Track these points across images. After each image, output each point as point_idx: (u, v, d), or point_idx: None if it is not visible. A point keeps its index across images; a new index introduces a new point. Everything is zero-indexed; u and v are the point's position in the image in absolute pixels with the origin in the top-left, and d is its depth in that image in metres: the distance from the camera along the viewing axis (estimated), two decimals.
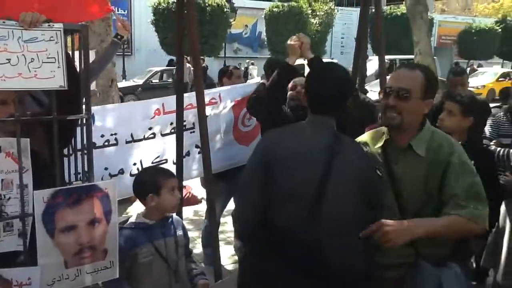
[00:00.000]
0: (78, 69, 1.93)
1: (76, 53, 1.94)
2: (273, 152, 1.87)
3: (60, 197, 1.77)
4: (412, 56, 10.79)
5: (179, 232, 2.45)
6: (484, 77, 21.07)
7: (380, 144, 2.02)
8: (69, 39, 1.94)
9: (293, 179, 1.80)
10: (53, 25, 1.79)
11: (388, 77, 2.44)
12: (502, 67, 28.52)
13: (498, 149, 3.33)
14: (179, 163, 3.41)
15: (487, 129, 3.57)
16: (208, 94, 3.72)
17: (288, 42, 2.97)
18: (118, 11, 20.07)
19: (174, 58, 20.68)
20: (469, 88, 4.21)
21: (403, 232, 1.72)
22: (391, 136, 2.00)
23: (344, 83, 1.99)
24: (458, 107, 2.69)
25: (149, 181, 2.31)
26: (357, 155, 1.91)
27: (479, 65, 27.86)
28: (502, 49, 28.61)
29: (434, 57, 10.24)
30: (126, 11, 24.55)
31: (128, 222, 2.31)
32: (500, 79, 20.94)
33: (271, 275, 1.81)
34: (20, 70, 1.70)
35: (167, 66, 19.29)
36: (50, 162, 2.04)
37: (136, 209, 2.86)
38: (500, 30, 28.28)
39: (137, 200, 2.51)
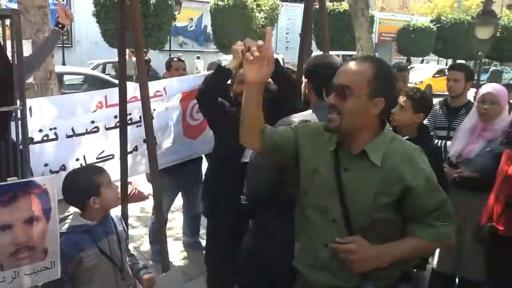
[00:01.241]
0: (10, 57, 1.81)
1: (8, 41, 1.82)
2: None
3: None
4: (354, 52, 11.12)
5: (119, 228, 2.38)
6: (422, 73, 22.10)
7: (332, 147, 1.74)
8: None
9: None
10: None
11: None
12: (437, 64, 30.03)
13: (436, 141, 3.49)
14: (123, 158, 3.29)
15: (424, 122, 3.73)
16: (152, 86, 3.61)
17: (233, 46, 2.87)
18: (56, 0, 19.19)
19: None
20: (408, 84, 4.37)
21: (368, 262, 1.61)
22: (343, 139, 1.73)
23: None
24: (410, 103, 2.78)
25: (86, 185, 2.18)
26: None
27: (422, 61, 29.20)
28: (437, 46, 30.11)
29: (375, 53, 10.61)
30: (65, 1, 23.47)
31: (68, 226, 2.17)
32: (436, 75, 22.06)
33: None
34: None
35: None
36: None
37: None
38: (435, 28, 29.72)
39: None
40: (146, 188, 5.59)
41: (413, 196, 1.62)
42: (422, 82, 21.05)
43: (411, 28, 29.54)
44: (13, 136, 1.91)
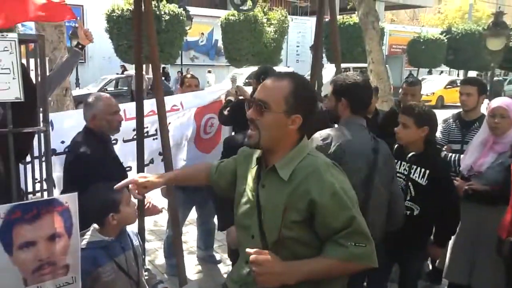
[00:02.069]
0: (33, 79, 1.88)
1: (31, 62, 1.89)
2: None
3: (18, 212, 1.71)
4: (365, 65, 11.14)
5: (135, 243, 2.42)
6: (433, 85, 22.03)
7: (254, 164, 1.77)
8: (23, 47, 1.88)
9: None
10: (7, 35, 1.73)
11: None
12: (449, 75, 29.87)
13: (450, 154, 3.49)
14: (140, 171, 3.36)
15: (438, 135, 3.73)
16: (170, 101, 3.69)
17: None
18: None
19: (124, 64, 20.32)
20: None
21: (274, 277, 1.54)
22: (263, 155, 1.74)
23: None
24: (411, 120, 2.79)
25: (105, 202, 2.22)
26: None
27: (429, 72, 29.06)
28: (448, 57, 30.00)
29: (386, 65, 10.61)
30: (79, 18, 23.90)
31: (86, 242, 2.21)
32: (447, 87, 21.97)
33: None
34: None
35: (121, 73, 18.91)
36: (5, 175, 1.98)
37: None
38: (445, 40, 29.66)
39: None
40: (160, 202, 5.66)
41: (319, 212, 1.58)
42: (433, 93, 20.98)
43: (421, 40, 29.48)
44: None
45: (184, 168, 1.87)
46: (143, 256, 2.57)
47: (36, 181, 1.96)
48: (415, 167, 2.83)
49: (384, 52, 19.41)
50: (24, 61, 1.95)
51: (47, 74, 1.99)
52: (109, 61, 23.01)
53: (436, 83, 22.48)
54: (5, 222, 1.68)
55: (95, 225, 2.30)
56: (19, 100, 1.72)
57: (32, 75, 1.98)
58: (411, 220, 2.73)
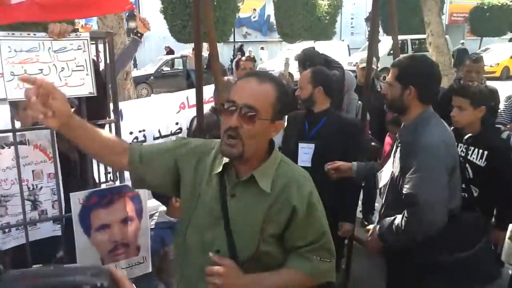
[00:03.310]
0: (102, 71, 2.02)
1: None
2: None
3: (94, 198, 1.87)
4: (423, 36, 10.70)
5: None
6: (498, 55, 20.73)
7: (217, 170, 1.53)
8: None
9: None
10: (80, 34, 1.87)
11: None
12: None
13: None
14: None
15: (501, 113, 3.59)
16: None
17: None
18: None
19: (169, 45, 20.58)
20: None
21: None
22: (230, 162, 1.52)
23: None
24: (467, 101, 2.69)
25: None
26: None
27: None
28: None
29: (446, 36, 10.15)
30: (134, 5, 24.48)
31: (154, 222, 2.40)
32: None
33: None
34: (52, 79, 1.78)
35: (166, 54, 19.18)
36: (80, 165, 2.15)
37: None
38: None
39: None
40: None
41: (295, 220, 1.49)
42: (498, 64, 19.76)
43: (485, 7, 27.73)
44: None
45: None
46: None
47: (108, 172, 2.11)
48: (472, 148, 2.76)
49: (444, 21, 18.49)
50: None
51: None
52: (164, 41, 23.50)
53: (501, 53, 21.11)
54: (84, 207, 1.85)
55: (163, 208, 2.47)
56: (92, 95, 1.86)
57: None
58: (470, 202, 2.68)
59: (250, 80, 1.48)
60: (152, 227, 2.37)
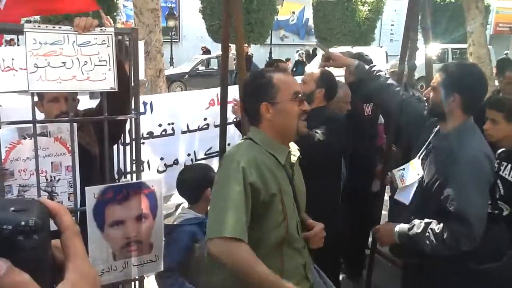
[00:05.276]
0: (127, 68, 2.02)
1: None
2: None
3: (110, 193, 1.87)
4: (465, 46, 10.36)
5: None
6: None
7: (283, 160, 1.76)
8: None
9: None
10: (105, 29, 1.87)
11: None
12: None
13: None
14: (222, 154, 3.48)
15: None
16: None
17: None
18: None
19: (205, 45, 20.75)
20: None
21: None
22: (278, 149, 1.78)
23: None
24: (500, 115, 2.58)
25: (204, 177, 2.43)
26: None
27: None
28: None
29: (489, 46, 9.80)
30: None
31: (183, 219, 2.39)
32: None
33: None
34: (74, 73, 1.79)
35: (202, 54, 19.37)
36: (100, 158, 2.16)
37: (177, 198, 2.96)
38: None
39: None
40: None
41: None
42: None
43: None
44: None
45: None
46: None
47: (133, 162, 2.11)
48: (505, 163, 2.62)
49: (488, 31, 17.89)
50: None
51: (140, 66, 2.13)
52: (202, 41, 23.78)
53: None
54: (98, 202, 1.85)
55: (184, 204, 2.46)
56: (114, 90, 1.86)
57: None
58: (500, 220, 2.55)
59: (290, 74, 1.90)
60: (182, 223, 2.36)
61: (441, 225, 2.04)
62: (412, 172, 2.34)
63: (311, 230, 1.84)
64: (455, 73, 2.10)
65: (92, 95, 2.90)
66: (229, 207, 1.54)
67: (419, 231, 2.10)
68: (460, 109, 2.08)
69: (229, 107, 3.10)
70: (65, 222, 0.57)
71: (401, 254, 2.58)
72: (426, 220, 2.10)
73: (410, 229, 2.16)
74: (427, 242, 2.06)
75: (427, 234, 2.06)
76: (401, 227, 2.21)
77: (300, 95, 1.76)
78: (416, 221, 2.15)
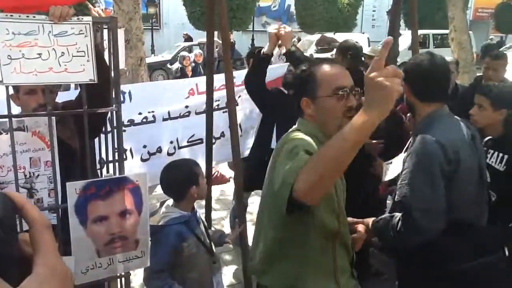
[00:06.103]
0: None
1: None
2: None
3: (92, 188, 1.81)
4: (446, 31, 10.41)
5: (198, 214, 2.52)
6: None
7: None
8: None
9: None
10: (82, 19, 1.79)
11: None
12: None
13: None
14: (208, 145, 3.44)
15: None
16: (239, 76, 3.70)
17: (268, 29, 3.01)
18: None
19: (187, 32, 20.46)
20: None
21: None
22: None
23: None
24: (487, 101, 2.58)
25: (189, 174, 2.35)
26: None
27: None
28: None
29: (470, 32, 9.86)
30: None
31: (169, 218, 2.32)
32: None
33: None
34: (51, 65, 1.71)
35: (184, 41, 19.10)
36: (80, 152, 2.09)
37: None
38: None
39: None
40: (228, 171, 5.79)
41: None
42: None
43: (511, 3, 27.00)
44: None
45: None
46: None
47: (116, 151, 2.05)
48: (491, 151, 2.65)
49: (468, 16, 18.02)
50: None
51: (120, 54, 2.05)
52: (183, 28, 23.46)
53: None
54: (81, 197, 1.78)
55: (168, 202, 2.41)
56: (93, 82, 1.79)
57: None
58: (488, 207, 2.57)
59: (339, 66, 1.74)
60: (167, 223, 2.30)
61: (399, 216, 2.00)
62: (394, 166, 2.33)
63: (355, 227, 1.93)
64: (407, 64, 2.16)
65: (61, 86, 2.82)
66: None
67: (383, 223, 2.08)
68: (415, 98, 2.11)
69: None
70: (32, 215, 0.55)
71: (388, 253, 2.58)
72: (394, 213, 2.07)
73: (377, 221, 2.14)
74: (389, 234, 2.03)
75: (389, 228, 2.04)
76: (374, 221, 2.19)
77: (347, 90, 1.63)
78: (385, 215, 2.14)
